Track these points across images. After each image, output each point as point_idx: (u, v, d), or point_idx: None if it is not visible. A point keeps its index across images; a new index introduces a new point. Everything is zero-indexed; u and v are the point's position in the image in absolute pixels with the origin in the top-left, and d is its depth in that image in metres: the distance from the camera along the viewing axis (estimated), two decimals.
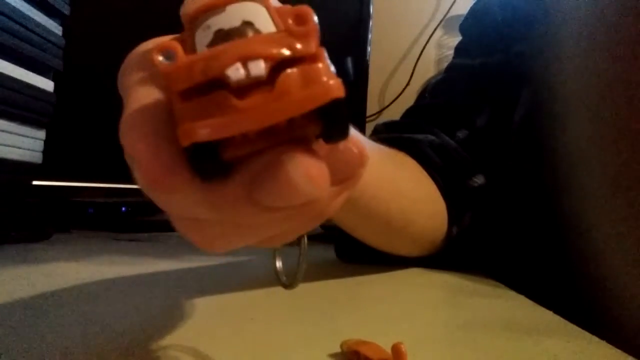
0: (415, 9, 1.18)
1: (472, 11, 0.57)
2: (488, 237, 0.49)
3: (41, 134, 0.58)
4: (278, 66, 0.14)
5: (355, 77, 0.84)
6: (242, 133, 0.14)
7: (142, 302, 0.32)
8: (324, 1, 0.82)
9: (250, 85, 0.13)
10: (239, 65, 0.13)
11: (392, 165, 0.41)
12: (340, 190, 0.17)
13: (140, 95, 0.15)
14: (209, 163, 0.14)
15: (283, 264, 0.24)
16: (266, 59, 0.13)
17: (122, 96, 0.17)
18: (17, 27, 0.52)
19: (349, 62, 0.83)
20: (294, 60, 0.14)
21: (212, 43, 0.14)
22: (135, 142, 0.14)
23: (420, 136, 0.47)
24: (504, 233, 0.49)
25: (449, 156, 0.46)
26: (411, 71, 1.15)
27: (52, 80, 0.59)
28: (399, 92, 1.14)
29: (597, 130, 0.38)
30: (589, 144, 0.39)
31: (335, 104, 0.14)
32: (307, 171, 0.14)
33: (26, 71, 0.54)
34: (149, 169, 0.14)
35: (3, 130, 0.51)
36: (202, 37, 0.14)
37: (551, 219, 0.44)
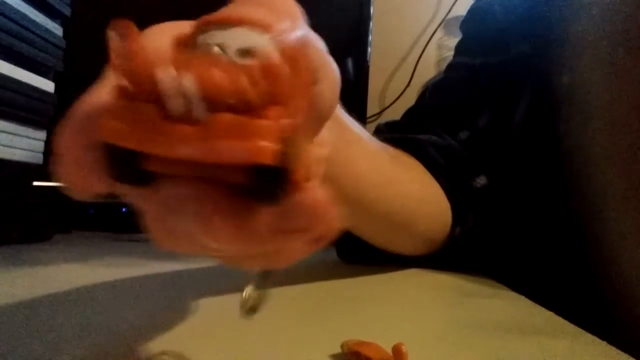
0: (415, 10, 1.18)
1: (473, 10, 0.57)
2: (490, 238, 0.49)
3: (42, 134, 0.58)
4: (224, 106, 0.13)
5: (356, 77, 0.84)
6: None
7: (142, 302, 0.32)
8: (324, 2, 0.82)
9: (189, 115, 0.13)
10: (172, 73, 0.12)
11: (395, 166, 0.41)
12: (296, 241, 0.15)
13: (98, 84, 0.15)
14: (124, 168, 0.13)
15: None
16: (206, 82, 0.12)
17: None
18: (17, 28, 0.52)
19: (350, 62, 0.83)
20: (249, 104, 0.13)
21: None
22: (62, 136, 0.14)
23: (423, 137, 0.47)
24: (506, 233, 0.49)
25: (452, 157, 0.46)
26: (411, 72, 1.15)
27: (53, 81, 0.59)
28: (400, 93, 1.14)
29: (606, 128, 0.38)
30: (599, 142, 0.39)
31: (265, 169, 0.13)
32: (207, 221, 0.13)
33: (27, 72, 0.54)
34: (64, 164, 0.14)
35: (4, 131, 0.51)
36: (200, 46, 0.14)
37: (555, 219, 0.44)
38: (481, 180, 0.47)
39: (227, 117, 0.13)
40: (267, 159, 0.13)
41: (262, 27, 0.14)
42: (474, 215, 0.47)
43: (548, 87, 0.44)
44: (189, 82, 0.12)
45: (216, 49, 0.14)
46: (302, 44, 0.15)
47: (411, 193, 0.41)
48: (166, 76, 0.12)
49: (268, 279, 0.19)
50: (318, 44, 0.18)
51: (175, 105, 0.12)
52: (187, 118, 0.13)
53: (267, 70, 0.13)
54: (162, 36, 0.15)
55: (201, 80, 0.12)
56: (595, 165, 0.39)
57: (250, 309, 0.19)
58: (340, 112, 0.31)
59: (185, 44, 0.14)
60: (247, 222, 0.14)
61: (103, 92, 0.15)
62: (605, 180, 0.38)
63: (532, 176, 0.47)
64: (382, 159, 0.38)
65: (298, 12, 0.18)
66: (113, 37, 0.13)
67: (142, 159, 0.13)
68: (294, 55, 0.14)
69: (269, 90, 0.13)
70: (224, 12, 0.15)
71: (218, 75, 0.13)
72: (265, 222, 0.14)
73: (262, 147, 0.13)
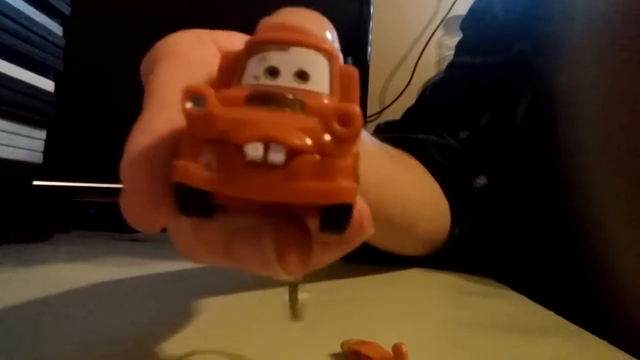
0: (415, 10, 1.18)
1: (473, 10, 0.57)
2: (490, 237, 0.49)
3: (41, 134, 0.58)
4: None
5: None
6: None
7: (142, 302, 0.32)
8: (324, 1, 0.82)
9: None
10: (260, 145, 0.12)
11: (395, 167, 0.41)
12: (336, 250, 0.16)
13: (161, 104, 0.15)
14: (196, 204, 0.13)
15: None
16: (290, 148, 0.13)
17: (143, 81, 0.17)
18: (17, 27, 0.52)
19: (350, 61, 0.83)
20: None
21: (259, 78, 0.14)
22: (127, 166, 0.14)
23: (423, 136, 0.47)
24: (506, 233, 0.49)
25: (452, 157, 0.46)
26: (411, 71, 1.15)
27: (53, 80, 0.59)
28: (400, 92, 1.14)
29: (606, 128, 0.38)
30: (598, 141, 0.39)
31: (341, 206, 0.13)
32: (282, 252, 0.14)
33: (27, 71, 0.54)
34: (132, 196, 0.14)
35: (3, 130, 0.51)
36: (254, 67, 0.14)
37: (555, 218, 0.44)
38: (481, 180, 0.47)
39: (307, 159, 0.13)
40: (350, 198, 0.13)
41: (315, 47, 0.14)
42: (474, 215, 0.46)
43: (548, 86, 0.44)
44: (274, 154, 0.12)
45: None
46: (351, 65, 0.15)
47: (411, 194, 0.41)
48: (251, 150, 0.12)
49: (295, 289, 0.19)
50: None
51: (256, 158, 0.13)
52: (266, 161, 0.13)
53: (341, 114, 0.13)
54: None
55: (286, 145, 0.12)
56: (592, 165, 0.39)
57: (298, 312, 0.19)
58: None
59: (235, 68, 0.14)
60: (314, 250, 0.14)
61: (165, 123, 0.14)
62: (602, 180, 0.38)
63: (531, 176, 0.47)
64: (382, 159, 0.38)
65: (334, 33, 0.18)
66: (188, 103, 0.13)
67: (211, 194, 0.13)
68: (350, 75, 0.14)
69: (344, 138, 0.13)
70: (274, 31, 0.15)
71: (301, 130, 0.13)
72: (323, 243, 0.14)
73: (344, 187, 0.13)
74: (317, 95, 0.14)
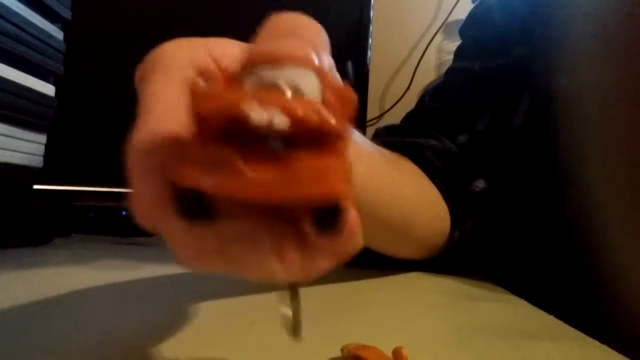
0: (415, 14, 1.18)
1: (472, 15, 0.57)
2: (490, 241, 0.49)
3: (42, 138, 0.58)
4: (297, 140, 0.13)
5: (356, 81, 0.84)
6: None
7: (142, 306, 0.32)
8: (324, 4, 0.82)
9: (263, 154, 0.13)
10: (264, 112, 0.13)
11: (393, 170, 0.41)
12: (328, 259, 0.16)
13: (159, 111, 0.15)
14: (196, 208, 0.14)
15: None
16: (293, 117, 0.13)
17: (138, 91, 0.17)
18: (18, 31, 0.52)
19: (349, 65, 0.83)
20: (315, 138, 0.13)
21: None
22: (134, 168, 0.14)
23: (421, 140, 0.47)
24: (505, 236, 0.49)
25: (450, 161, 0.46)
26: (411, 75, 1.15)
27: (53, 84, 0.59)
28: (399, 96, 1.14)
29: (607, 130, 0.38)
30: (599, 145, 0.39)
31: (335, 207, 0.14)
32: (281, 255, 0.14)
33: (27, 75, 0.54)
34: (139, 198, 0.14)
35: (4, 135, 0.51)
36: (248, 83, 0.15)
37: (555, 220, 0.44)
38: (480, 184, 0.47)
39: (306, 162, 0.13)
40: (343, 198, 0.14)
41: (308, 64, 0.15)
42: (473, 219, 0.46)
43: (547, 89, 0.44)
44: (278, 117, 0.13)
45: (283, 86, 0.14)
46: (344, 82, 0.15)
47: (409, 197, 0.41)
48: (257, 113, 0.13)
49: (296, 297, 0.19)
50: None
51: (261, 122, 0.13)
52: (266, 163, 0.13)
53: (337, 103, 0.14)
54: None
55: (290, 114, 0.13)
56: (593, 167, 0.39)
57: (295, 329, 0.19)
58: None
59: (232, 82, 0.15)
60: (310, 254, 0.15)
61: (167, 121, 0.15)
62: (603, 182, 0.38)
63: (530, 178, 0.47)
64: (379, 162, 0.38)
65: (325, 40, 0.18)
66: (194, 83, 0.14)
67: (210, 196, 0.14)
68: (341, 93, 0.15)
69: (340, 111, 0.14)
70: (269, 47, 0.15)
71: (304, 109, 0.13)
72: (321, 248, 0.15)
73: (338, 188, 0.13)
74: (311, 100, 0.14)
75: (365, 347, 0.22)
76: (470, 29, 0.56)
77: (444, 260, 0.46)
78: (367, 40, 0.86)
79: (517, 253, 0.48)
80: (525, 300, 0.37)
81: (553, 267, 0.44)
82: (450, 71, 0.56)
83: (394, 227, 0.40)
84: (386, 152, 0.42)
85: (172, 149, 0.14)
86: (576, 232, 0.41)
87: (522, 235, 0.48)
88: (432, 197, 0.44)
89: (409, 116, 0.54)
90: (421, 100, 0.56)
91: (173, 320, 0.28)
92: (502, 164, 0.48)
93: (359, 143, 0.35)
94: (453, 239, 0.45)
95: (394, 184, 0.40)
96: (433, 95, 0.55)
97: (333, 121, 0.13)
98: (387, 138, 0.49)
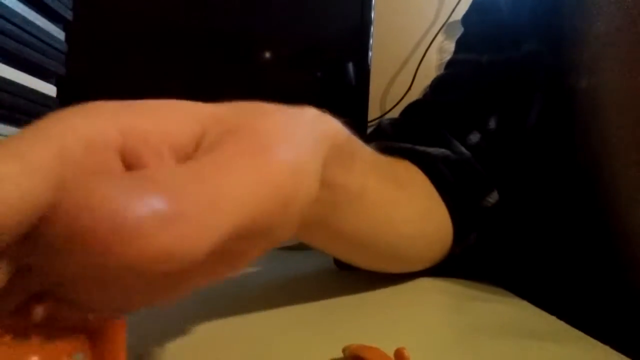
0: (416, 14, 1.18)
1: (476, 4, 0.53)
2: (494, 248, 0.46)
3: None
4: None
5: (357, 82, 0.84)
6: None
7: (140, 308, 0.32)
8: (325, 6, 0.83)
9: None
10: None
11: (393, 191, 0.36)
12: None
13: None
14: None
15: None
16: None
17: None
18: (19, 32, 0.52)
19: (350, 67, 0.83)
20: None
21: None
22: None
23: (434, 151, 0.44)
24: (510, 241, 0.47)
25: (464, 174, 0.43)
26: (412, 76, 1.15)
27: (55, 85, 0.59)
28: (401, 96, 1.14)
29: (635, 130, 0.36)
30: (625, 145, 0.37)
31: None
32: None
33: (28, 76, 0.54)
34: None
35: (5, 135, 0.51)
36: None
37: (574, 224, 0.42)
38: (492, 199, 0.44)
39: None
40: None
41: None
42: (477, 233, 0.44)
43: (562, 89, 0.42)
44: None
45: None
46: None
47: (410, 235, 0.38)
48: None
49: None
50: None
51: None
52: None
53: None
54: None
55: None
56: (617, 168, 0.38)
57: None
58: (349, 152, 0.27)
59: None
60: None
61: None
62: (631, 189, 0.36)
63: (544, 183, 0.45)
64: (385, 190, 0.34)
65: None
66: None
67: None
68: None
69: None
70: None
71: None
72: None
73: None
74: None
75: (367, 347, 0.22)
76: (475, 19, 0.52)
77: (443, 270, 0.44)
78: (368, 41, 0.86)
79: (522, 257, 0.46)
80: (528, 301, 0.37)
81: (564, 272, 0.43)
82: (454, 63, 0.52)
83: (387, 257, 0.37)
84: (392, 165, 0.39)
85: None
86: (608, 233, 0.39)
87: (529, 240, 0.46)
88: (438, 223, 0.41)
89: (414, 109, 0.50)
90: (426, 92, 0.53)
91: (171, 320, 0.28)
92: (515, 167, 0.45)
93: (368, 161, 0.31)
94: (454, 253, 0.43)
95: (391, 202, 0.35)
96: (438, 88, 0.51)
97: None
98: (396, 142, 0.45)
